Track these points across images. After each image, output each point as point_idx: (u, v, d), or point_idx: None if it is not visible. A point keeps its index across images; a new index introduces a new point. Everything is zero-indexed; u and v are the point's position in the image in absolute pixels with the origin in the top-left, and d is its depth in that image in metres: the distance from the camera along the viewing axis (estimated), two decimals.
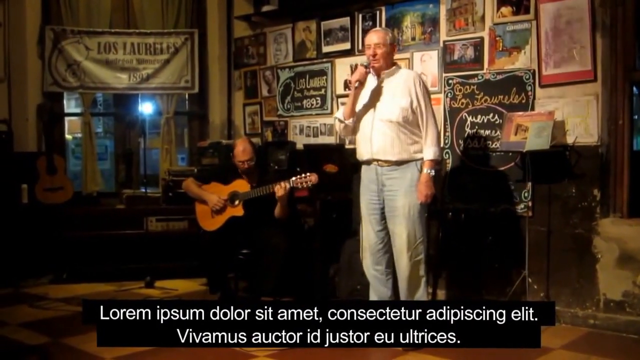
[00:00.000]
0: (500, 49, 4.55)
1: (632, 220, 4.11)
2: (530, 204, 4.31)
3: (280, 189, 4.32)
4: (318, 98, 5.70)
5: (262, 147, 5.92)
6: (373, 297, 4.05)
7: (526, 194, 4.31)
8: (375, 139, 3.86)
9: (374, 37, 3.93)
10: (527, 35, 4.42)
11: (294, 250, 4.59)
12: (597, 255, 4.13)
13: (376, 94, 3.92)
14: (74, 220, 5.71)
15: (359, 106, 3.96)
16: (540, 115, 4.24)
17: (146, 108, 6.17)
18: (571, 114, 4.23)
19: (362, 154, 3.97)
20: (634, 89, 4.25)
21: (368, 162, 3.95)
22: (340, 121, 3.99)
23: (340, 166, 5.02)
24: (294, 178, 4.29)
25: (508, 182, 4.47)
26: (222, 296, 4.62)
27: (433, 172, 3.84)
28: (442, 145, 4.63)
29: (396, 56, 5.05)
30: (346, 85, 5.46)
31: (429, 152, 3.86)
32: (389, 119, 3.83)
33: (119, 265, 5.64)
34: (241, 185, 4.54)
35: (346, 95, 5.40)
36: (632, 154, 4.21)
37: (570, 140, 4.23)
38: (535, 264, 4.27)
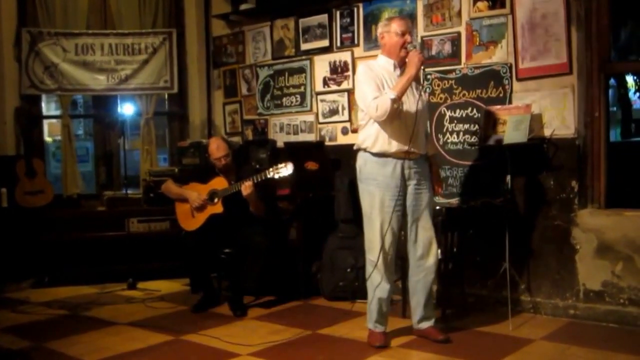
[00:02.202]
0: (477, 43, 4.57)
1: (610, 211, 4.16)
2: (509, 196, 4.34)
3: (244, 188, 4.34)
4: (297, 96, 5.69)
5: (243, 145, 5.91)
6: (383, 295, 3.70)
7: (505, 187, 4.33)
8: (417, 131, 3.60)
9: (408, 25, 3.68)
10: (503, 30, 4.45)
11: (276, 248, 4.60)
12: (576, 246, 4.18)
13: None
14: (54, 223, 5.68)
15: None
16: (517, 109, 4.28)
17: (126, 109, 6.13)
18: (548, 106, 4.26)
19: (393, 145, 3.60)
20: (610, 80, 4.28)
21: (394, 155, 3.61)
22: (395, 102, 3.49)
23: (320, 163, 5.03)
24: (270, 169, 4.32)
25: (487, 175, 4.49)
26: (204, 296, 4.62)
27: None
28: None
29: (374, 52, 5.12)
30: (325, 82, 5.47)
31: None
32: (425, 111, 3.77)
33: (101, 268, 5.60)
34: (219, 183, 4.55)
35: (326, 92, 5.46)
36: (608, 145, 4.25)
37: (547, 132, 4.26)
38: (515, 256, 4.29)
